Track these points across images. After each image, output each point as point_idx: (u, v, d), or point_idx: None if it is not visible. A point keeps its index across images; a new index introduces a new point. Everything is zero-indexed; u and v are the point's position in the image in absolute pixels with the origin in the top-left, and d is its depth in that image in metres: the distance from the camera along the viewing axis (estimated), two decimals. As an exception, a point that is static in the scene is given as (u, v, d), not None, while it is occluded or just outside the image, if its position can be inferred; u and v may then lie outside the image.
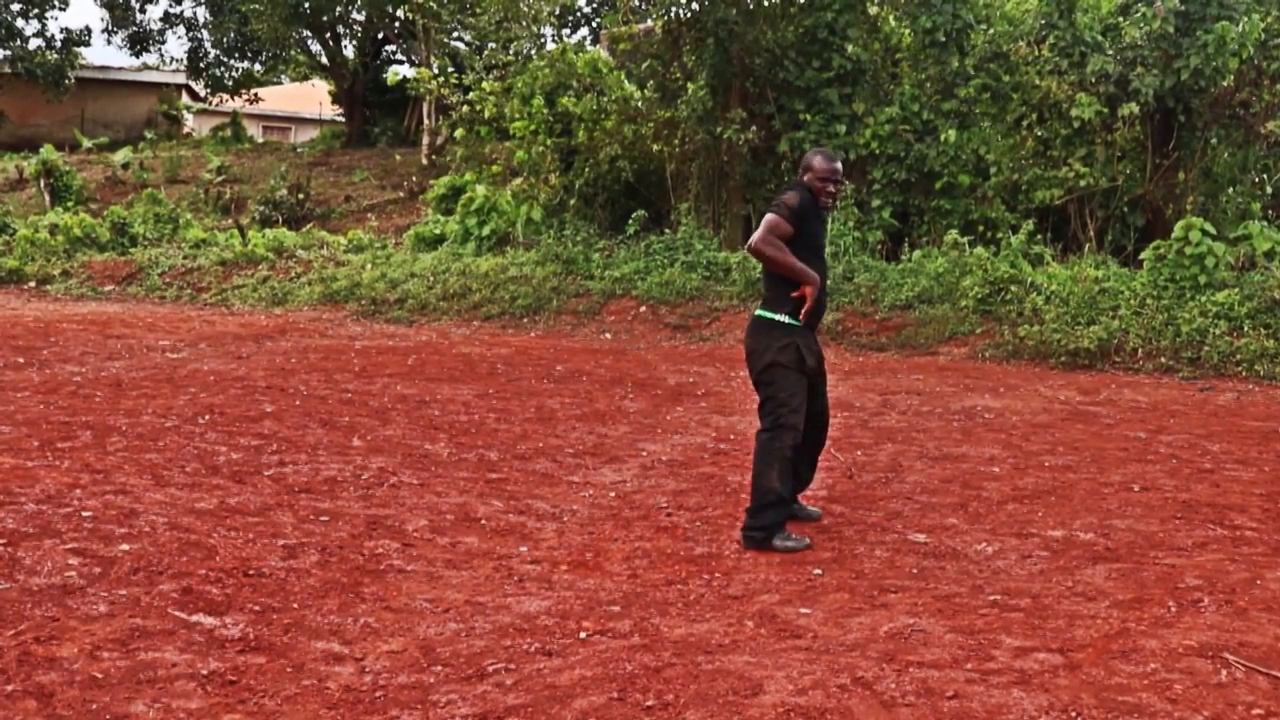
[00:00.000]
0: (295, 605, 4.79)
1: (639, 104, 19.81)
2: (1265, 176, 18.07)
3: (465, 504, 6.56)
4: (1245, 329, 13.11)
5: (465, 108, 21.67)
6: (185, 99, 41.87)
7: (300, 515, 6.12)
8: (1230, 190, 17.39)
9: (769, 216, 5.79)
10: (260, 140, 39.99)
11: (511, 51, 24.16)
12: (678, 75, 19.84)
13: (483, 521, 6.23)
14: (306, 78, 46.30)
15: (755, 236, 5.80)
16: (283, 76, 47.66)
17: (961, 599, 4.86)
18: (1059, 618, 4.58)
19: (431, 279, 18.21)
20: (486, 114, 21.00)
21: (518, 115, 20.41)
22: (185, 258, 21.45)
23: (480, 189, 20.55)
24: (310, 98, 44.93)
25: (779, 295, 5.85)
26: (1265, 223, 16.17)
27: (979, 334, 14.19)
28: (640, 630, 4.54)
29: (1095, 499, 6.79)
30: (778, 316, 5.83)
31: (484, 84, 21.26)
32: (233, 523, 5.88)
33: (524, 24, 26.98)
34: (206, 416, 8.62)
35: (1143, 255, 14.91)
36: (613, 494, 6.94)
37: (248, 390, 9.97)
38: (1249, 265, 14.61)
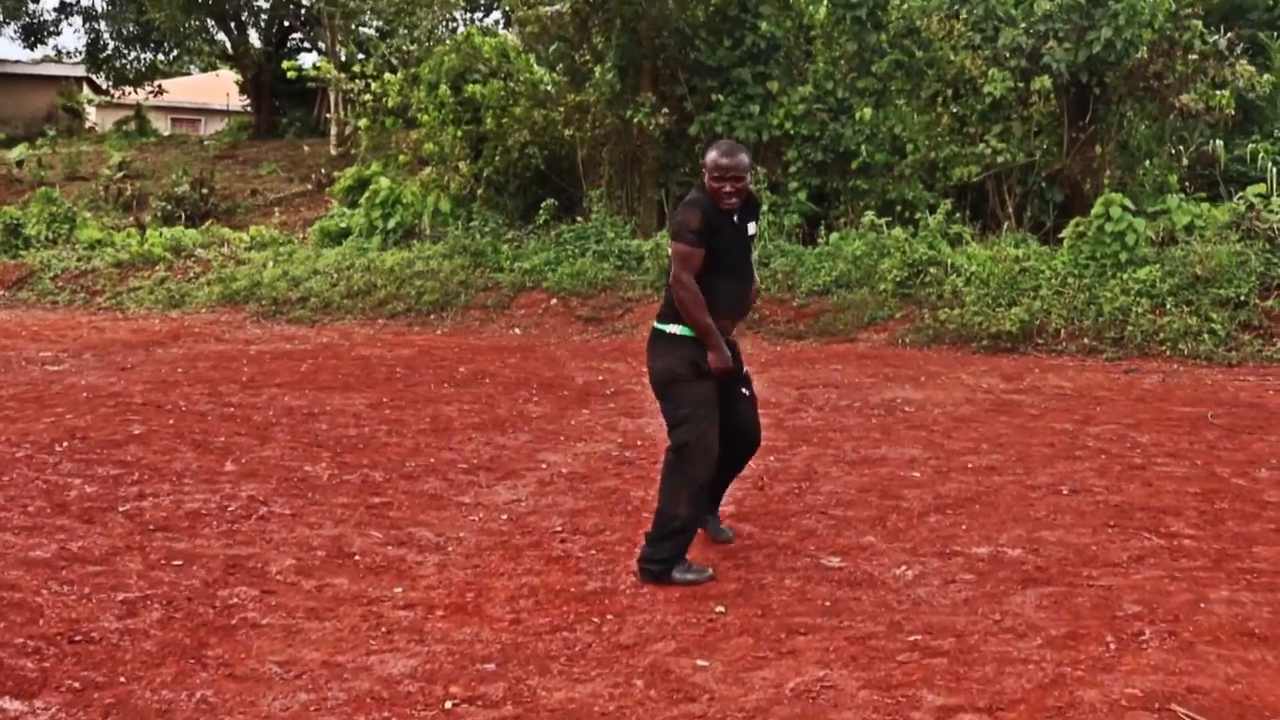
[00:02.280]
0: (123, 678, 4.17)
1: (548, 88, 19.17)
2: (1181, 149, 17.86)
3: (340, 536, 5.97)
4: (1168, 306, 12.81)
5: (368, 97, 20.89)
6: (87, 92, 40.38)
7: (150, 560, 5.49)
8: (1147, 163, 17.13)
9: (677, 246, 5.16)
10: (169, 133, 38.65)
11: (417, 36, 23.36)
12: (587, 57, 19.22)
13: (357, 557, 5.64)
14: (214, 68, 44.92)
15: (672, 273, 5.19)
16: (190, 67, 46.22)
17: (878, 641, 4.36)
18: (986, 662, 4.09)
19: (335, 276, 17.46)
20: (390, 103, 20.24)
21: (424, 104, 19.66)
22: (79, 260, 20.46)
23: (384, 181, 19.77)
24: (219, 89, 43.58)
25: (674, 306, 5.29)
26: (1183, 196, 15.93)
27: (899, 318, 13.78)
28: (514, 696, 3.99)
29: (1022, 506, 6.34)
30: (669, 328, 5.29)
31: (386, 75, 20.44)
32: (69, 574, 5.24)
33: (434, 9, 26.18)
34: (66, 443, 7.91)
35: (1063, 233, 14.59)
36: (505, 516, 6.38)
37: (120, 408, 9.24)
38: (1169, 240, 14.33)
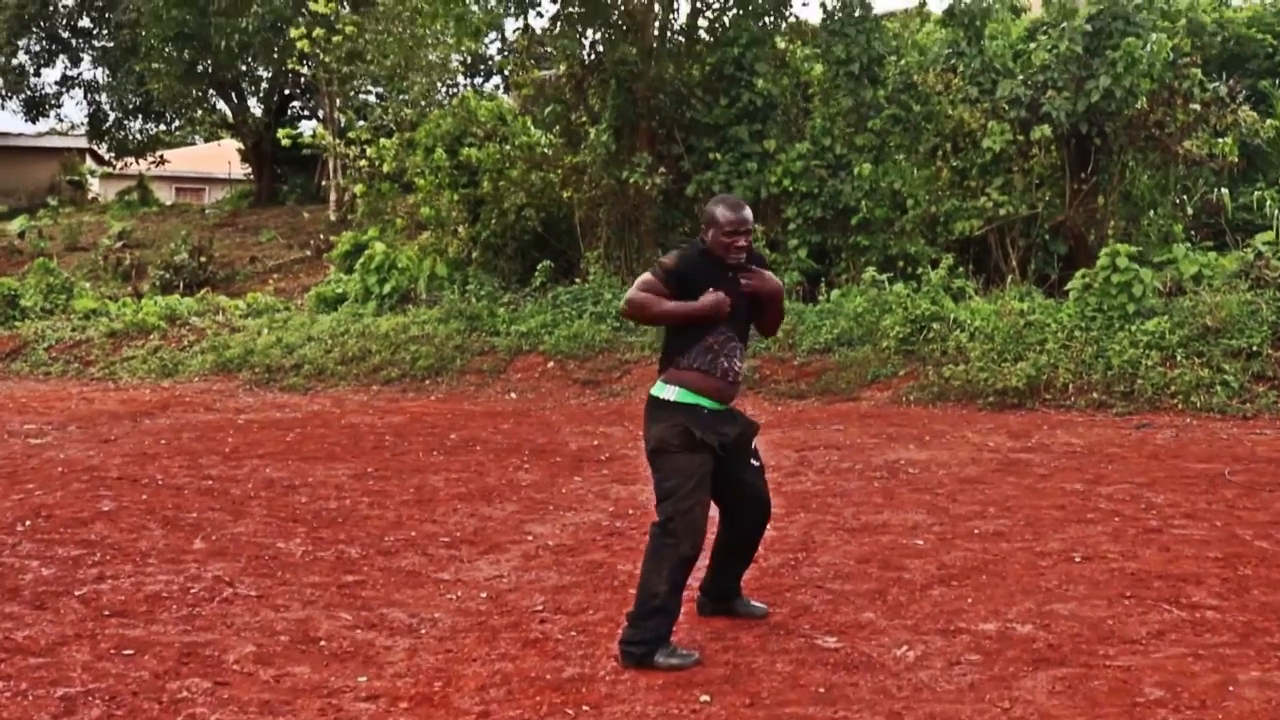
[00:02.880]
0: (49, 788, 3.82)
1: (545, 150, 19.01)
2: (1185, 198, 17.58)
3: (306, 619, 5.61)
4: (1178, 358, 12.46)
5: (364, 163, 20.74)
6: (90, 163, 40.46)
7: (99, 650, 5.14)
8: (1152, 213, 16.85)
9: (642, 275, 5.06)
10: (172, 203, 38.66)
11: (412, 100, 23.24)
12: (583, 118, 19.08)
13: (322, 643, 5.28)
14: (217, 137, 45.09)
15: (624, 298, 5.07)
16: (194, 137, 46.39)
17: (875, 734, 4.00)
18: (993, 758, 3.72)
19: (330, 342, 17.18)
20: (385, 168, 20.09)
21: (420, 169, 19.50)
22: (74, 330, 20.24)
23: (379, 245, 19.56)
24: (222, 158, 43.71)
25: (665, 368, 5.05)
26: (1189, 245, 15.65)
27: (902, 376, 13.43)
28: (474, 804, 3.63)
29: (1032, 575, 5.96)
30: (664, 394, 5.01)
31: (381, 140, 20.29)
32: (7, 668, 4.88)
33: (432, 75, 26.09)
34: (29, 521, 7.57)
35: (1069, 285, 14.27)
36: (484, 595, 6.02)
37: (93, 483, 8.91)
38: (1177, 290, 14.01)
